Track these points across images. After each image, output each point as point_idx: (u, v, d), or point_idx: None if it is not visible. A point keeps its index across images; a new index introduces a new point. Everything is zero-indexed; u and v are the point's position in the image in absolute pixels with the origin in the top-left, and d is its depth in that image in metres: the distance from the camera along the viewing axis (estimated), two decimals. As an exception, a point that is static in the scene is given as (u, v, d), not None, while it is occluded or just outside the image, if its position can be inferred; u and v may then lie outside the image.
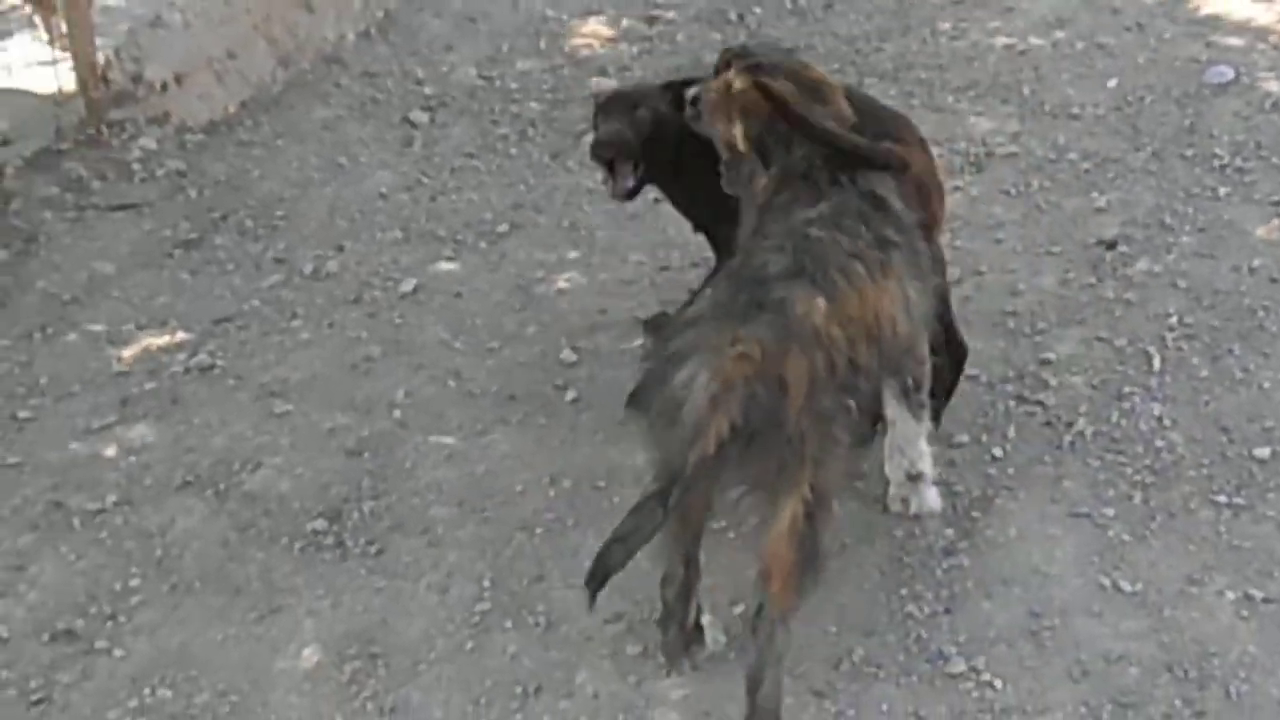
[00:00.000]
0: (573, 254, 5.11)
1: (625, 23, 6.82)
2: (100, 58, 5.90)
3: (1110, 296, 4.61)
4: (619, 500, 3.90)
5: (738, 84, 3.55)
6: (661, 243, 5.05)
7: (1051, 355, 4.36)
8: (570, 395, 4.36)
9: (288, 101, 6.26)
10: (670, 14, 6.87)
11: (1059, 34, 6.24)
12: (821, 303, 3.08)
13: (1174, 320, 4.47)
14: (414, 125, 6.07)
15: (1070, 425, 4.06)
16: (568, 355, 4.54)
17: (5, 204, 5.43)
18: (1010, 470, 3.93)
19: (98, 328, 4.89)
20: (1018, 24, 6.39)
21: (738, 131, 3.51)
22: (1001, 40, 6.26)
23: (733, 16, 6.77)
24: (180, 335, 4.80)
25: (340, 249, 5.21)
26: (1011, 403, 4.18)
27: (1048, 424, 4.09)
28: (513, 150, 5.81)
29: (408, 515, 3.93)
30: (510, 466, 4.09)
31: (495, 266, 5.05)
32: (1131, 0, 6.49)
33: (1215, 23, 6.18)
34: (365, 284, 4.99)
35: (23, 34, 6.12)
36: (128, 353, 4.74)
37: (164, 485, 4.12)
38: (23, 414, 4.47)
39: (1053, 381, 4.25)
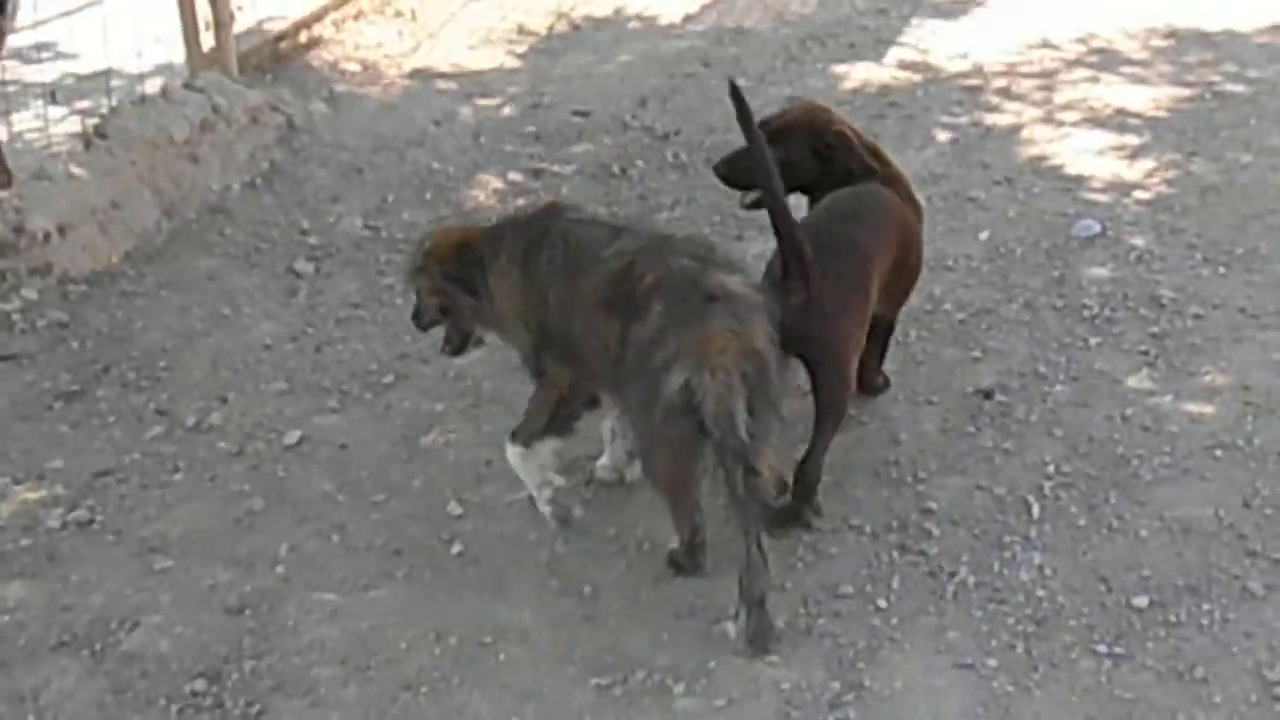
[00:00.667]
0: (459, 404, 5.10)
1: (511, 175, 6.90)
2: (-18, 208, 5.86)
3: (989, 445, 4.69)
4: (504, 657, 3.89)
5: None
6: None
7: (933, 504, 4.42)
8: (456, 549, 4.35)
9: (172, 252, 6.24)
10: (555, 168, 6.96)
11: (931, 189, 6.39)
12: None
13: (1051, 469, 4.56)
14: (299, 275, 6.07)
15: (953, 575, 4.12)
16: (454, 508, 4.54)
17: (-119, 357, 5.33)
18: (894, 620, 3.97)
19: (-26, 483, 4.79)
20: (893, 179, 6.53)
21: None
22: (877, 194, 6.38)
23: (616, 170, 6.88)
24: (58, 489, 4.73)
25: (224, 400, 5.17)
26: (895, 552, 4.23)
27: (931, 574, 4.14)
28: (398, 300, 5.81)
29: (290, 674, 3.88)
30: (395, 623, 4.06)
31: (381, 418, 5.04)
32: (1000, 156, 6.68)
33: (1081, 179, 6.38)
34: (249, 436, 4.95)
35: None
36: (3, 508, 4.65)
37: (38, 645, 4.04)
38: (-108, 572, 4.36)
39: (935, 531, 4.31)
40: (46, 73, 7.16)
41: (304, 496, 4.62)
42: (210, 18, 7.19)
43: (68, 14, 7.62)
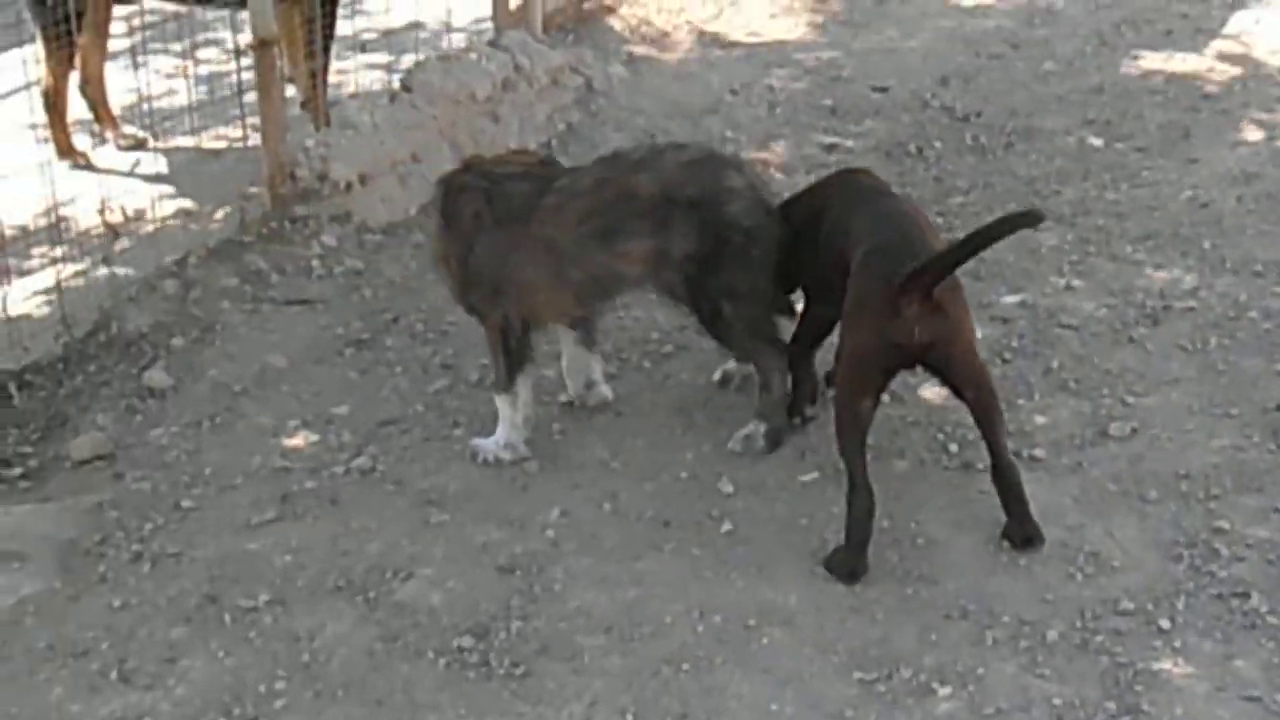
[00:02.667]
0: (736, 380, 5.06)
1: (805, 149, 6.82)
2: (291, 154, 6.05)
3: (1290, 466, 4.45)
4: (767, 641, 3.85)
5: None
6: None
7: (1225, 524, 4.21)
8: (726, 527, 4.32)
9: (466, 207, 6.31)
10: (849, 143, 6.86)
11: (1244, 188, 6.11)
12: None
13: (1358, 495, 4.29)
14: (588, 238, 6.08)
15: (1244, 600, 3.91)
16: (725, 485, 4.50)
17: (186, 292, 5.56)
18: (1177, 643, 3.80)
19: (265, 420, 4.96)
20: (1201, 175, 6.27)
21: None
22: (1184, 192, 6.15)
23: (912, 149, 6.75)
24: (345, 435, 4.85)
25: (507, 359, 5.21)
26: (1182, 571, 4.04)
27: (1219, 597, 3.94)
28: (684, 271, 5.79)
29: (555, 639, 3.90)
30: (660, 595, 4.05)
31: (658, 387, 5.04)
32: (1322, 159, 6.33)
33: None
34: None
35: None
36: (292, 448, 4.78)
37: (317, 587, 4.14)
38: (186, 503, 4.55)
39: (1225, 552, 4.10)
40: (357, 24, 7.33)
41: (578, 461, 4.64)
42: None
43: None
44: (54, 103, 6.45)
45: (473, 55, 6.88)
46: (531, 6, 7.37)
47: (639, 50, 7.75)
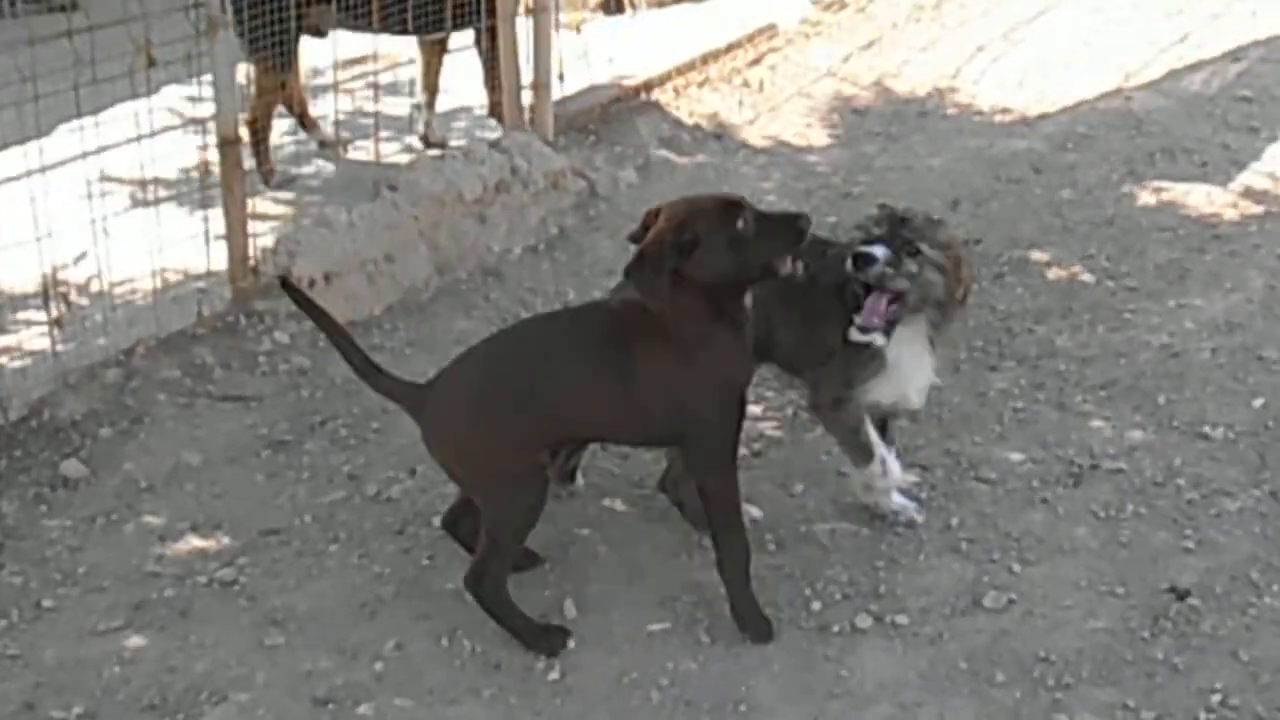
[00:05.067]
0: (630, 515, 4.97)
1: (791, 267, 6.68)
2: (255, 249, 6.12)
3: (1159, 658, 4.22)
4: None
5: None
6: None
7: (1065, 718, 3.99)
8: (553, 675, 4.22)
9: (433, 309, 6.36)
10: (839, 263, 6.70)
11: (1223, 339, 5.85)
12: None
13: (1217, 699, 4.06)
14: (543, 349, 6.04)
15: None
16: (570, 609, 4.41)
17: (126, 381, 5.63)
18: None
19: (158, 520, 5.00)
20: (1183, 323, 6.02)
21: None
22: (1160, 338, 5.91)
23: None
24: (225, 541, 4.87)
25: (413, 473, 5.21)
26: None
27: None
28: (623, 391, 5.72)
29: (335, 782, 3.84)
30: (467, 745, 3.97)
31: (546, 518, 4.91)
32: (1316, 310, 6.03)
33: (1403, 342, 5.68)
34: (417, 515, 4.98)
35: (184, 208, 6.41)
36: (170, 553, 4.82)
37: (132, 704, 4.15)
38: (47, 602, 4.60)
39: (1061, 750, 3.90)
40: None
41: (435, 589, 4.59)
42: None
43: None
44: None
45: (467, 156, 6.90)
46: (542, 108, 7.39)
47: (658, 154, 7.72)
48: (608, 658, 4.28)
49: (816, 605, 4.46)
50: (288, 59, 7.02)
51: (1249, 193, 7.17)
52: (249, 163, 6.40)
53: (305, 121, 7.59)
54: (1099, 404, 5.47)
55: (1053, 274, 6.53)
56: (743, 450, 4.99)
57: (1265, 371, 5.62)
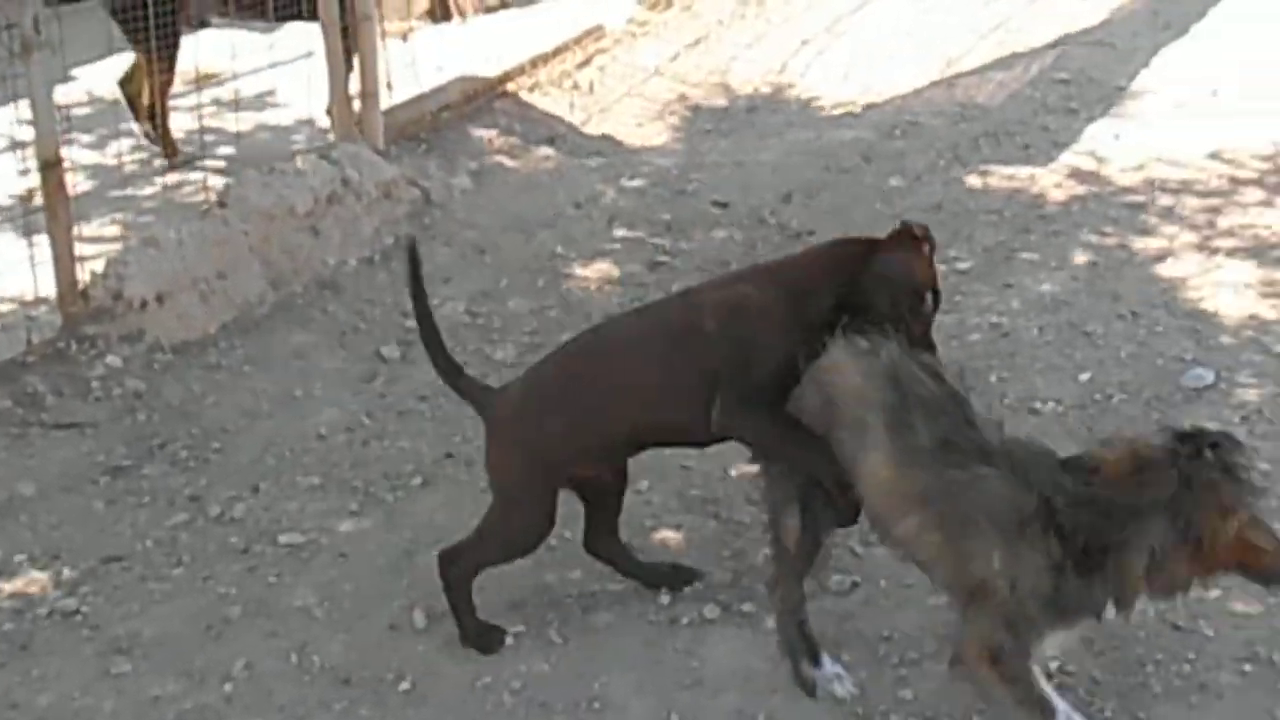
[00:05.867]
0: (476, 521, 4.95)
1: (629, 267, 6.74)
2: (85, 273, 6.01)
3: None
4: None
5: None
6: (562, 519, 4.87)
7: (910, 694, 4.07)
8: (404, 685, 4.20)
9: (269, 326, 6.29)
10: (676, 261, 6.78)
11: (1049, 317, 5.99)
12: None
13: (1055, 665, 4.14)
14: (383, 360, 6.05)
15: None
16: (423, 640, 4.39)
17: (-46, 416, 5.49)
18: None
19: (-7, 555, 4.88)
20: (1012, 303, 6.16)
21: None
22: (990, 319, 6.04)
23: (734, 268, 6.63)
24: (65, 572, 4.78)
25: (255, 491, 5.16)
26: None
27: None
28: (466, 397, 5.71)
29: (187, 806, 3.79)
30: (315, 763, 3.94)
31: (393, 526, 4.94)
32: (1136, 286, 6.22)
33: (1213, 319, 5.88)
34: (262, 534, 4.93)
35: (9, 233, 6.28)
36: (7, 587, 4.71)
37: (-27, 742, 4.05)
38: (-116, 643, 4.47)
39: None
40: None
41: (283, 607, 4.55)
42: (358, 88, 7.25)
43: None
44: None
45: (296, 169, 6.83)
46: (371, 118, 7.35)
47: (491, 160, 7.72)
48: (459, 664, 4.27)
49: (665, 599, 4.49)
50: (170, 47, 7.27)
51: (1071, 173, 7.35)
52: (89, 184, 6.32)
53: (158, 130, 7.58)
54: (934, 385, 5.54)
55: (885, 261, 6.61)
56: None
57: (1091, 346, 5.77)
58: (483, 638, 4.26)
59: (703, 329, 4.05)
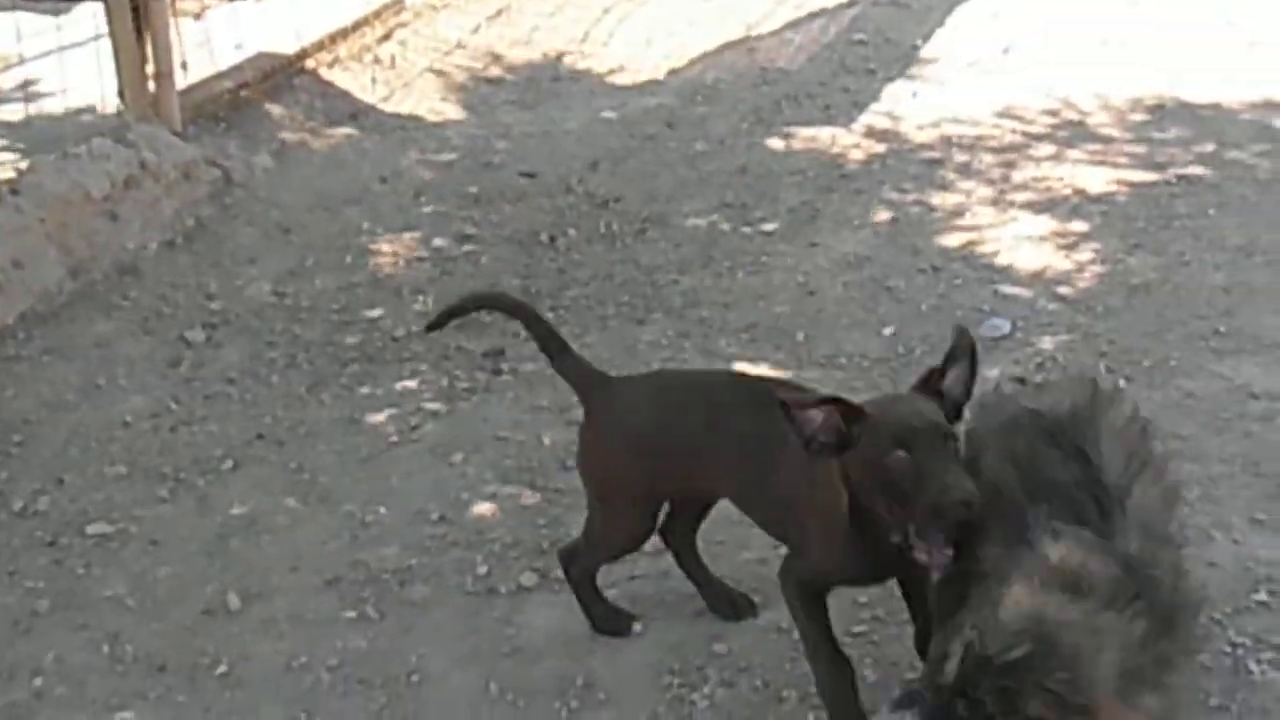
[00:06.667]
0: (289, 499, 4.92)
1: (436, 241, 6.71)
2: None
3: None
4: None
5: None
6: (376, 494, 4.87)
7: (724, 648, 4.14)
8: (221, 668, 4.16)
9: (69, 314, 6.14)
10: (484, 233, 6.76)
11: (853, 274, 6.10)
12: None
13: (870, 613, 4.23)
14: (188, 344, 5.95)
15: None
16: (236, 621, 4.35)
17: None
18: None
19: None
20: (817, 260, 6.26)
21: None
22: (796, 278, 6.13)
23: (545, 239, 6.66)
24: None
25: (60, 482, 5.05)
26: (666, 703, 3.94)
27: (690, 730, 3.86)
28: (275, 378, 5.67)
29: (-3, 806, 3.71)
30: (128, 754, 3.88)
31: (204, 511, 4.87)
32: (935, 240, 6.36)
33: (1010, 270, 6.04)
34: (67, 525, 4.83)
35: None
36: None
37: None
38: None
39: (714, 677, 4.02)
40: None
41: (94, 597, 4.47)
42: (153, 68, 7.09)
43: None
44: None
45: (91, 153, 6.68)
46: (167, 99, 7.20)
47: (293, 138, 7.62)
48: (274, 644, 4.24)
49: (483, 569, 4.50)
50: None
51: (870, 132, 7.48)
52: None
53: None
54: (743, 346, 5.65)
55: (692, 225, 6.70)
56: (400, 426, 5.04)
57: (894, 301, 5.89)
58: (611, 622, 4.15)
59: None
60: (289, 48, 8.08)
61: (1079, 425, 3.30)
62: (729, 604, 4.21)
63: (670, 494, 4.00)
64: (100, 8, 7.20)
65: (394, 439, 5.20)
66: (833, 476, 3.41)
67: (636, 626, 4.14)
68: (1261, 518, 4.40)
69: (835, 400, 3.36)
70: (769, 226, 6.66)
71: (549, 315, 5.73)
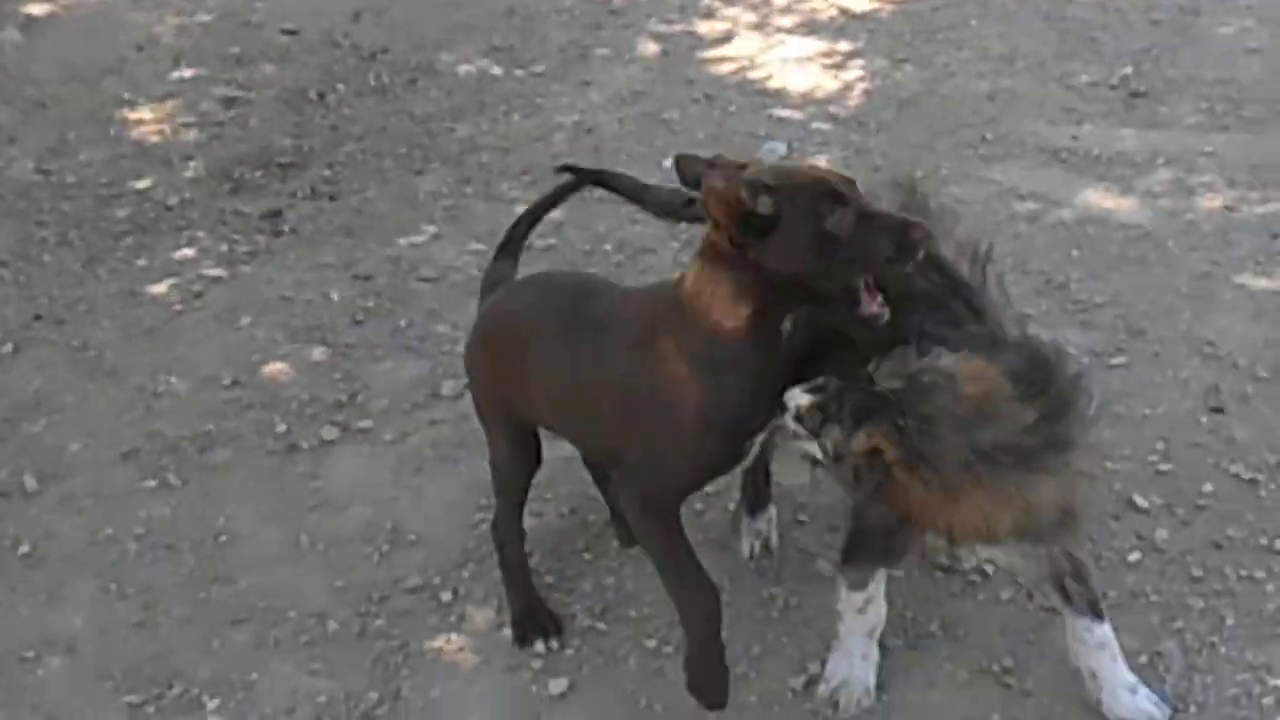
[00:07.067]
0: (75, 379, 4.82)
1: (203, 105, 6.55)
2: None
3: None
4: (42, 673, 3.71)
5: None
6: (165, 364, 4.80)
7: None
8: (24, 549, 4.12)
9: None
10: (251, 95, 6.61)
11: (628, 109, 6.12)
12: None
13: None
14: (-47, 230, 5.73)
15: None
16: (30, 483, 4.28)
17: None
18: (453, 618, 3.77)
19: None
20: (592, 98, 6.26)
21: None
22: (572, 118, 6.13)
23: (313, 96, 6.54)
24: None
25: None
26: (475, 539, 3.99)
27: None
28: (47, 256, 5.52)
29: None
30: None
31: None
32: (706, 69, 6.40)
33: (782, 94, 6.12)
34: None
35: None
36: None
37: None
38: None
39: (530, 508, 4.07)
40: None
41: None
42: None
43: None
44: None
45: None
46: (-100, -24, 6.84)
47: (39, 10, 7.33)
48: (76, 521, 4.19)
49: (282, 427, 4.48)
50: None
51: (631, -34, 7.45)
52: None
53: None
54: (524, 189, 5.65)
55: (463, 71, 6.64)
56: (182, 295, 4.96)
57: (670, 133, 5.94)
58: (530, 620, 3.65)
59: None
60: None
61: None
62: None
63: (532, 423, 3.54)
64: None
65: (177, 308, 5.11)
66: (675, 353, 3.02)
67: (553, 644, 3.64)
68: (1030, 312, 4.57)
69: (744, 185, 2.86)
70: (540, 68, 6.63)
71: (324, 173, 5.71)
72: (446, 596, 3.82)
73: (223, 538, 4.09)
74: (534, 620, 3.65)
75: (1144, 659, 3.40)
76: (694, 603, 3.18)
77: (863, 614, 3.30)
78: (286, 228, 5.52)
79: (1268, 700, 3.28)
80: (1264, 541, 3.69)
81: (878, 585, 3.27)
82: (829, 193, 2.86)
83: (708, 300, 2.99)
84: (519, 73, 6.60)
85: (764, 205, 2.85)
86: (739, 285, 2.94)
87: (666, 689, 3.48)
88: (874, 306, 2.94)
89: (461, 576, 3.88)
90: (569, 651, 3.61)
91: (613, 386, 3.14)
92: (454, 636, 3.71)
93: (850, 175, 2.94)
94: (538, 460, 3.60)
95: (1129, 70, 5.97)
